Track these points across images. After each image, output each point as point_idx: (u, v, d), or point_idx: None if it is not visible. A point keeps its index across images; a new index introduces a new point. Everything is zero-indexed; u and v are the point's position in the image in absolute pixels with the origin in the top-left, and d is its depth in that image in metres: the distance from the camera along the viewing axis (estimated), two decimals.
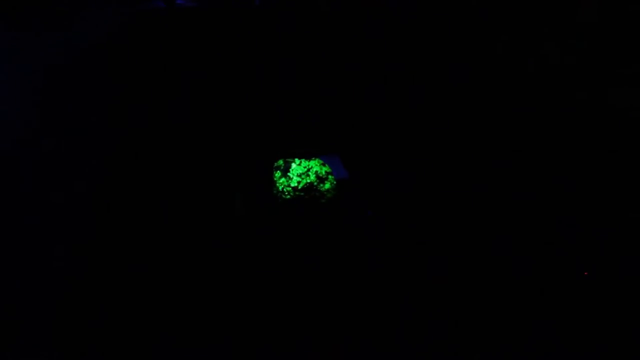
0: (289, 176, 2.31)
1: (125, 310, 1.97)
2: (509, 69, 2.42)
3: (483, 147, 2.35)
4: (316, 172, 2.32)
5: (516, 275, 2.08)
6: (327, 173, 2.33)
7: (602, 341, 1.92)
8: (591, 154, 2.27)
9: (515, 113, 2.38)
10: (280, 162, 2.38)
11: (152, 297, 2.01)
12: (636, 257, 2.07)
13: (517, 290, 2.05)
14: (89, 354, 1.82)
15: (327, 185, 2.31)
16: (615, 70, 2.32)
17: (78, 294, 1.97)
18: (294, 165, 2.34)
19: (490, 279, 2.07)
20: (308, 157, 2.40)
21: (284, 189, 2.29)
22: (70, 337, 1.86)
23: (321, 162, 2.36)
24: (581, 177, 2.24)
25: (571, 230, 2.15)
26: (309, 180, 2.29)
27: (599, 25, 2.33)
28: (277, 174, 2.34)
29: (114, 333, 1.90)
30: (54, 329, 1.87)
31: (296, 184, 2.29)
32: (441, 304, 2.02)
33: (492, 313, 1.99)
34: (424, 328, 1.95)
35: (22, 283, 1.97)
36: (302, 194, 2.29)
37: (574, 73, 2.37)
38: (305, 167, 2.33)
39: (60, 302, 1.94)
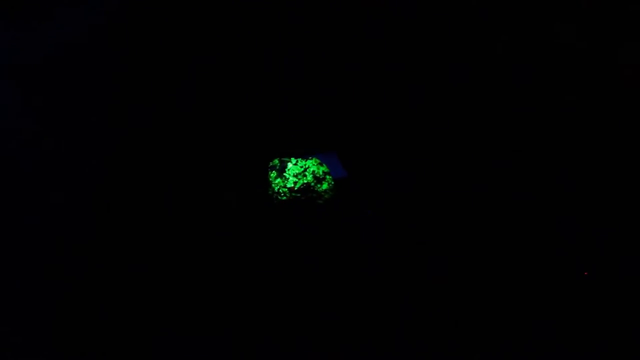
0: (284, 176, 2.29)
1: (125, 309, 1.99)
2: (509, 69, 2.42)
3: (483, 147, 2.35)
4: (313, 172, 2.30)
5: (516, 275, 2.09)
6: (325, 173, 2.32)
7: (602, 341, 1.93)
8: (591, 154, 2.27)
9: (515, 113, 2.37)
10: (276, 161, 2.36)
11: (152, 297, 2.03)
12: (636, 257, 2.06)
13: (517, 290, 2.06)
14: (89, 354, 1.85)
15: (325, 186, 2.29)
16: (615, 70, 2.31)
17: (78, 294, 1.98)
18: (290, 165, 2.32)
19: (490, 279, 2.09)
20: (305, 156, 2.39)
21: (280, 190, 2.27)
22: (70, 337, 1.88)
23: (318, 161, 2.36)
24: (581, 177, 2.24)
25: (571, 230, 2.15)
26: (305, 181, 2.28)
27: (598, 25, 2.32)
28: (273, 174, 2.32)
29: (114, 333, 1.92)
30: (54, 329, 1.89)
31: (292, 185, 2.27)
32: (441, 304, 2.03)
33: (492, 313, 2.01)
34: (424, 328, 1.96)
35: (22, 283, 1.98)
36: (298, 195, 2.27)
37: (573, 73, 2.37)
38: (301, 167, 2.31)
39: (60, 302, 1.96)
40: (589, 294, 2.03)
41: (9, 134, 2.26)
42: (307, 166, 2.32)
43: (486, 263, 2.13)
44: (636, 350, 1.90)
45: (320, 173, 2.31)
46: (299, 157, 2.37)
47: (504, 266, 2.12)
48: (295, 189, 2.27)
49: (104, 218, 2.16)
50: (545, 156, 2.31)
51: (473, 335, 1.96)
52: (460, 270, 2.11)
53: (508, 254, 2.14)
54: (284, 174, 2.30)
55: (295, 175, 2.29)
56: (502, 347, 1.94)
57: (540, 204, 2.22)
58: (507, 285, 2.07)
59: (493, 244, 2.17)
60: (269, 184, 2.32)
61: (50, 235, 2.09)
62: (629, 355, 1.89)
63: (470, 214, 2.24)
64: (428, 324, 1.98)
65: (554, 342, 1.94)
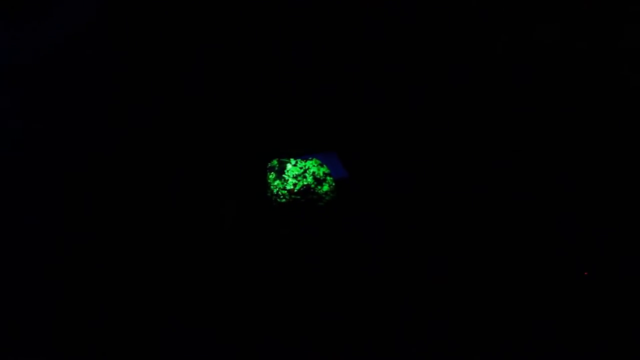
0: (284, 178, 2.27)
1: (125, 311, 1.99)
2: (509, 69, 2.43)
3: (483, 147, 2.36)
4: (313, 173, 2.28)
5: (516, 275, 2.11)
6: (326, 174, 2.30)
7: (602, 341, 1.95)
8: (591, 154, 2.29)
9: (515, 113, 2.38)
10: (275, 162, 2.33)
11: (152, 299, 2.02)
12: (636, 257, 2.08)
13: (517, 290, 2.07)
14: (89, 354, 1.85)
15: (326, 188, 2.27)
16: (615, 70, 2.32)
17: (78, 294, 1.99)
18: (289, 166, 2.29)
19: (490, 279, 2.10)
20: (305, 157, 2.36)
21: (279, 192, 2.25)
22: (70, 337, 1.89)
23: (319, 162, 2.33)
24: (581, 177, 2.26)
25: (571, 230, 2.17)
26: (305, 182, 2.25)
27: (599, 25, 2.33)
28: (271, 175, 2.29)
29: (114, 333, 1.93)
30: (54, 329, 1.90)
31: (292, 187, 2.25)
32: (441, 304, 2.04)
33: (492, 313, 2.02)
34: (424, 328, 1.98)
35: (22, 283, 1.99)
36: (298, 197, 2.25)
37: (573, 73, 2.38)
38: (301, 168, 2.28)
39: (60, 302, 1.96)
40: (589, 294, 2.05)
41: (6, 134, 2.25)
42: (307, 167, 2.29)
43: (486, 263, 2.14)
44: (636, 350, 1.92)
45: (321, 174, 2.29)
46: (298, 158, 2.34)
47: (504, 266, 2.13)
48: (295, 191, 2.25)
49: (104, 218, 2.15)
50: (545, 156, 2.32)
51: (473, 335, 1.98)
52: (460, 270, 2.12)
53: (508, 254, 2.16)
54: (283, 175, 2.28)
55: (295, 177, 2.26)
56: (502, 347, 1.96)
57: (541, 204, 2.24)
58: (507, 285, 2.09)
59: (493, 244, 2.18)
60: (267, 185, 2.28)
61: (49, 236, 2.09)
62: (629, 355, 1.91)
63: (470, 214, 2.25)
64: (428, 324, 1.99)
65: (554, 342, 1.97)
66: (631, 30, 2.30)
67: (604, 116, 2.33)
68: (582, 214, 2.20)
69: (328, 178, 2.29)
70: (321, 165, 2.32)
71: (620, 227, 2.16)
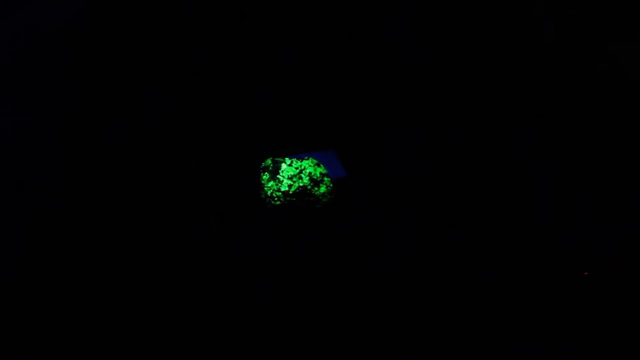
0: (278, 179, 2.22)
1: (122, 313, 2.00)
2: (509, 69, 2.47)
3: (482, 146, 2.38)
4: (310, 173, 2.24)
5: (517, 275, 2.13)
6: (322, 175, 2.26)
7: (602, 341, 2.00)
8: (591, 154, 2.35)
9: (515, 113, 2.43)
10: (269, 162, 2.28)
11: (148, 301, 2.02)
12: (636, 257, 2.14)
13: (518, 290, 2.10)
14: (89, 354, 1.89)
15: (323, 189, 2.23)
16: (615, 70, 2.37)
17: (78, 295, 2.02)
18: (284, 166, 2.25)
19: (490, 279, 2.12)
20: (300, 156, 2.33)
21: (273, 194, 2.20)
22: (70, 337, 1.92)
23: (315, 162, 2.30)
24: (581, 178, 2.32)
25: (571, 230, 2.21)
26: (301, 184, 2.21)
27: (599, 25, 2.37)
28: (265, 176, 2.25)
29: (114, 333, 1.95)
30: (53, 328, 1.94)
31: (287, 188, 2.20)
32: (441, 305, 2.05)
33: (493, 313, 2.04)
34: (423, 329, 1.99)
35: (22, 284, 2.02)
36: (294, 199, 2.21)
37: (573, 73, 2.44)
38: (297, 168, 2.24)
39: (60, 302, 1.99)
40: (589, 294, 2.09)
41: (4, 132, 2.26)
42: (302, 167, 2.25)
43: (486, 263, 2.15)
44: (636, 350, 1.96)
45: (318, 175, 2.25)
46: (293, 157, 2.31)
47: (504, 266, 2.15)
48: (290, 192, 2.20)
49: (99, 217, 2.16)
50: (546, 156, 2.36)
51: (473, 335, 1.99)
52: (460, 271, 2.13)
53: (508, 254, 2.18)
54: (278, 176, 2.23)
55: (290, 178, 2.22)
56: (502, 347, 1.98)
57: (541, 205, 2.27)
58: (508, 285, 2.11)
59: (493, 244, 2.19)
60: (261, 187, 2.24)
61: (48, 237, 2.10)
62: (629, 355, 1.95)
63: (470, 214, 2.26)
64: (428, 326, 2.00)
65: (554, 342, 2.00)
66: (631, 32, 2.35)
67: (604, 116, 2.38)
68: (583, 214, 2.25)
69: (325, 179, 2.26)
70: (318, 164, 2.28)
71: (621, 227, 2.22)
